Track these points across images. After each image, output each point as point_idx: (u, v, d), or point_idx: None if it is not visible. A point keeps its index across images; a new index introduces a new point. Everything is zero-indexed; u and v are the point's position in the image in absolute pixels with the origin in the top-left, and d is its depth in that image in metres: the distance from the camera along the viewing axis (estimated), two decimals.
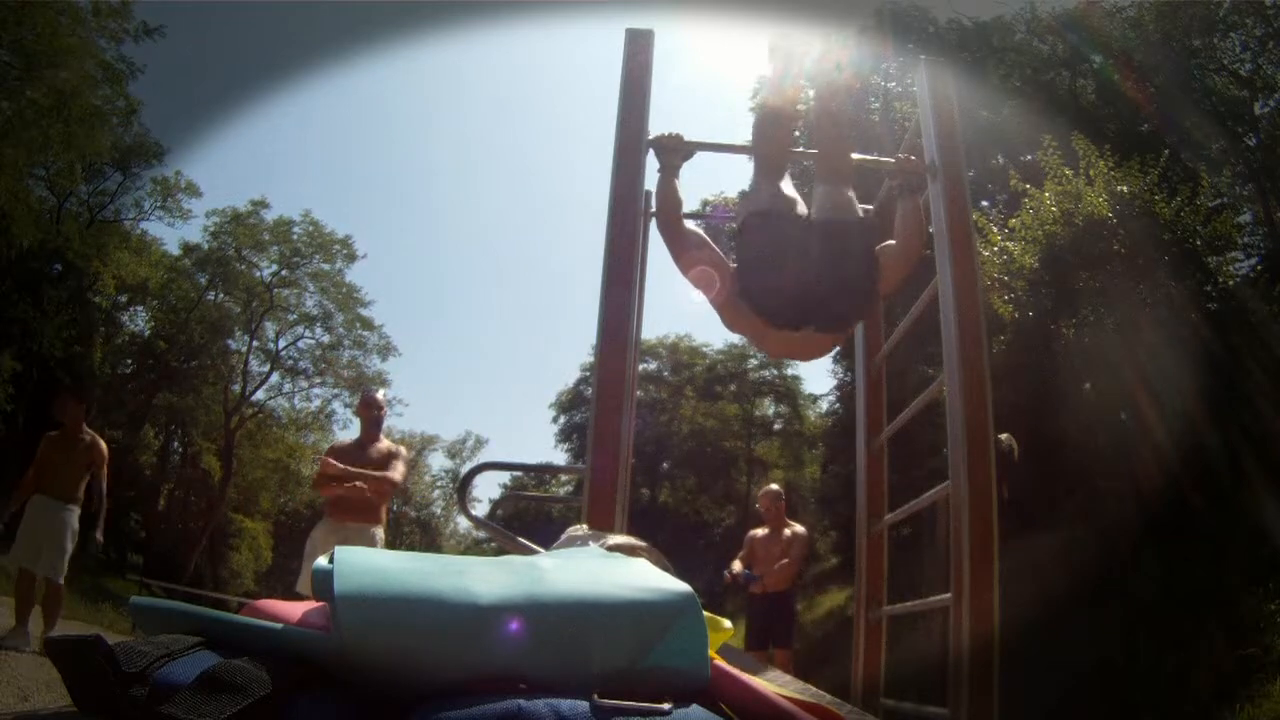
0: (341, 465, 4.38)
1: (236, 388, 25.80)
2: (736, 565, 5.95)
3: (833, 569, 16.73)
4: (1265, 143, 11.97)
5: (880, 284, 2.31)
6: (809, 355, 2.49)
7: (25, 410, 17.03)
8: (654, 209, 2.51)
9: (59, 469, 5.14)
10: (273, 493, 27.79)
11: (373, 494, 4.38)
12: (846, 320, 2.37)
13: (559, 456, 28.66)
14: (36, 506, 5.07)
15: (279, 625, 0.78)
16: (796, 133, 2.72)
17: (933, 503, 2.57)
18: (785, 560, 5.75)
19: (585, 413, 25.46)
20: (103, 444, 5.37)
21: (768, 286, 2.24)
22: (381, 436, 4.67)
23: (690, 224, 2.47)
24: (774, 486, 6.44)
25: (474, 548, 30.54)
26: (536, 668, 0.74)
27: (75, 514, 5.15)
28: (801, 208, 2.43)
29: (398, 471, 4.52)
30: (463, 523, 33.44)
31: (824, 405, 24.20)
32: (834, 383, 19.65)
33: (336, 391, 26.56)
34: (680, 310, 32.41)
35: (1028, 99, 12.76)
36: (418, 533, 36.16)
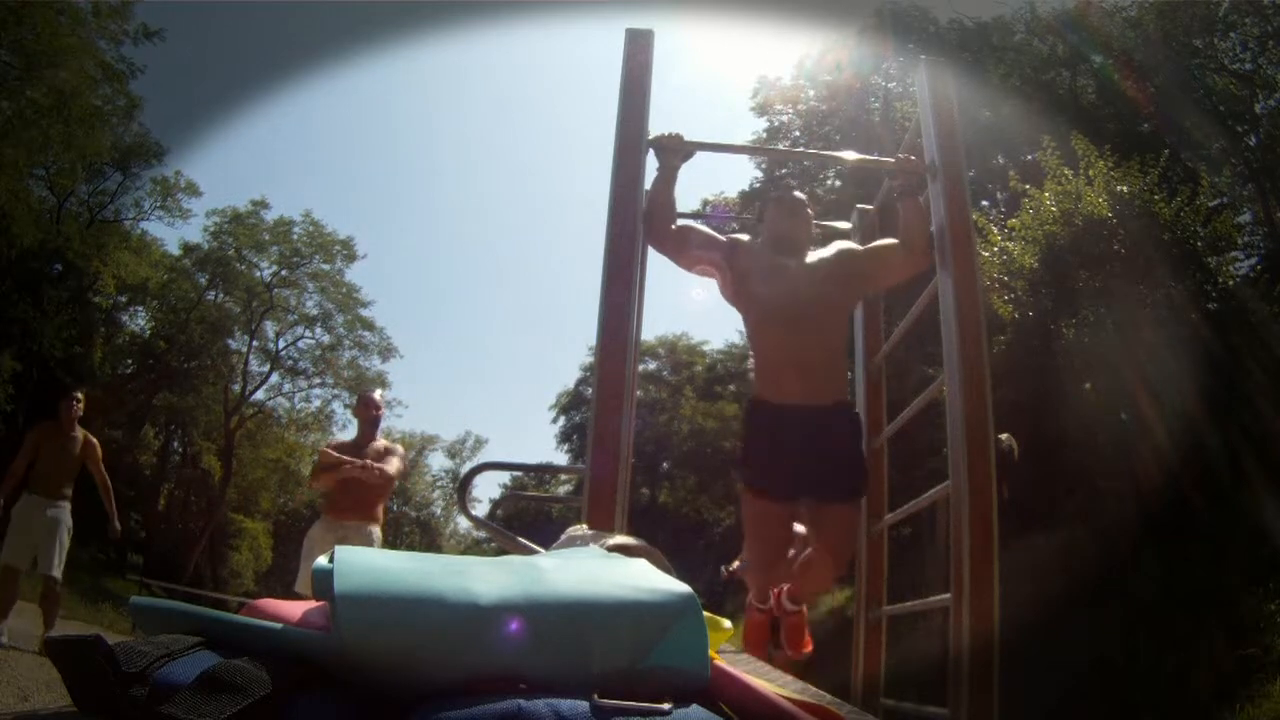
0: (338, 454, 4.38)
1: (236, 388, 25.80)
2: (735, 564, 5.95)
3: None
4: (1265, 142, 11.97)
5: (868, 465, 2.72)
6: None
7: (25, 410, 17.02)
8: (645, 215, 2.52)
9: (51, 466, 5.10)
10: (273, 493, 27.79)
11: (370, 484, 4.38)
12: (835, 492, 2.60)
13: (559, 457, 28.69)
14: (29, 506, 5.02)
15: (279, 625, 0.78)
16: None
17: (933, 503, 2.57)
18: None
19: (585, 413, 25.47)
20: (94, 440, 5.36)
21: (765, 470, 2.59)
22: (379, 436, 4.67)
23: (683, 221, 2.51)
24: None
25: (474, 548, 30.54)
26: (536, 668, 0.74)
27: (68, 510, 5.13)
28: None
29: (394, 466, 4.52)
30: (463, 523, 33.47)
31: None
32: None
33: (336, 392, 26.55)
34: (680, 309, 32.47)
35: (1028, 99, 12.76)
36: (418, 533, 36.15)
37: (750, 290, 2.54)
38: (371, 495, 4.46)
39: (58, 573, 5.06)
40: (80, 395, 5.47)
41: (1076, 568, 7.09)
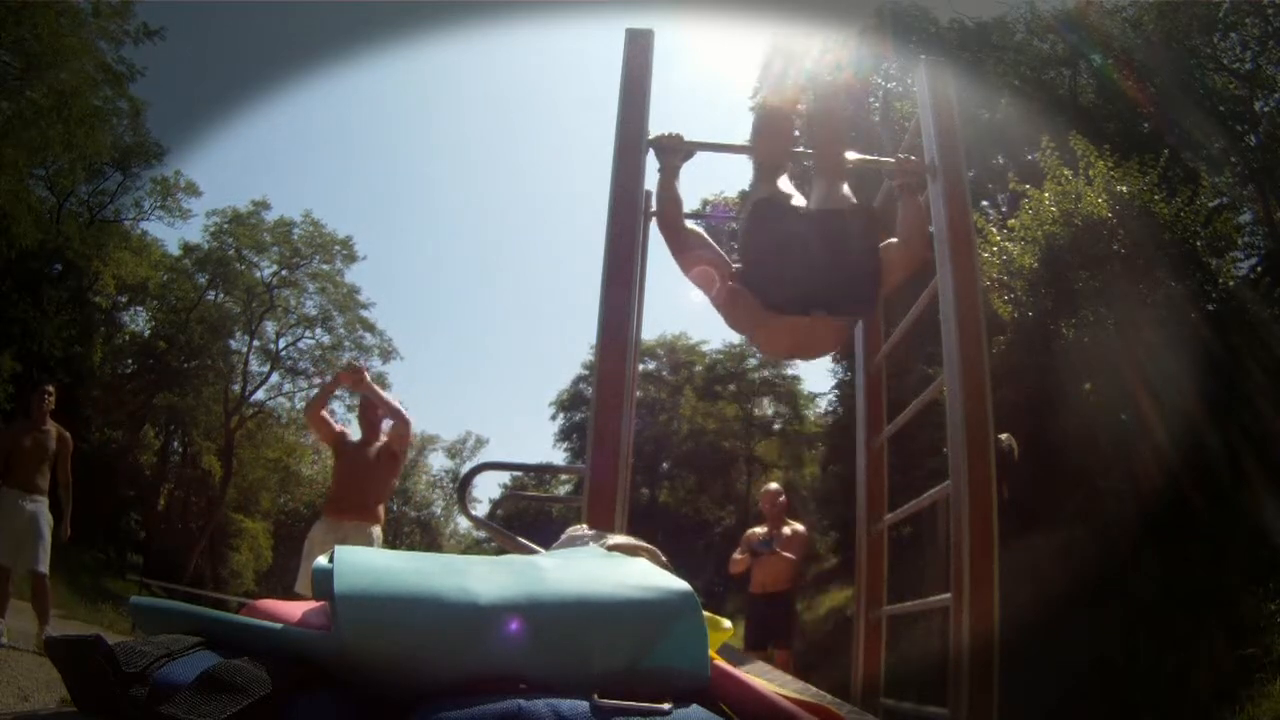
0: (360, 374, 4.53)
1: (236, 388, 25.82)
2: (737, 556, 5.94)
3: (833, 569, 16.72)
4: (1265, 142, 11.97)
5: (882, 274, 2.32)
6: (811, 350, 2.48)
7: (22, 412, 17.01)
8: (654, 209, 2.52)
9: (26, 460, 5.08)
10: (273, 493, 27.80)
11: (371, 483, 4.40)
12: (853, 303, 2.37)
13: (558, 456, 28.71)
14: (6, 501, 4.99)
15: (279, 625, 0.78)
16: (796, 133, 2.72)
17: (933, 503, 2.57)
18: (788, 554, 5.76)
19: (585, 413, 25.47)
20: (67, 435, 5.33)
21: (771, 275, 2.26)
22: (382, 435, 4.69)
23: (690, 224, 2.48)
24: (774, 485, 6.44)
25: (474, 548, 30.54)
26: (536, 668, 0.74)
27: (45, 504, 5.11)
28: (799, 200, 2.44)
29: (403, 417, 4.55)
30: (463, 523, 33.50)
31: (823, 405, 24.26)
32: (833, 382, 19.68)
33: (338, 393, 26.54)
34: (679, 309, 32.46)
35: (1028, 99, 12.76)
36: (418, 533, 36.17)
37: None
38: (372, 495, 4.47)
39: (44, 567, 5.04)
40: (51, 389, 5.43)
41: (1076, 568, 7.09)
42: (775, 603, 5.75)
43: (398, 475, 5.00)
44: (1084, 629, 6.63)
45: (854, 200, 2.45)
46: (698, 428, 27.69)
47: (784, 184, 2.53)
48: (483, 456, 38.02)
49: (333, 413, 4.55)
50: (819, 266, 2.25)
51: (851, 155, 2.64)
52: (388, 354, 26.76)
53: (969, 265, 2.39)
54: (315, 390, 26.58)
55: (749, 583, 5.89)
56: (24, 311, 17.21)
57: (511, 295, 60.72)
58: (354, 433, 4.81)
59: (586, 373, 27.13)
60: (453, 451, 36.94)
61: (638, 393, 4.38)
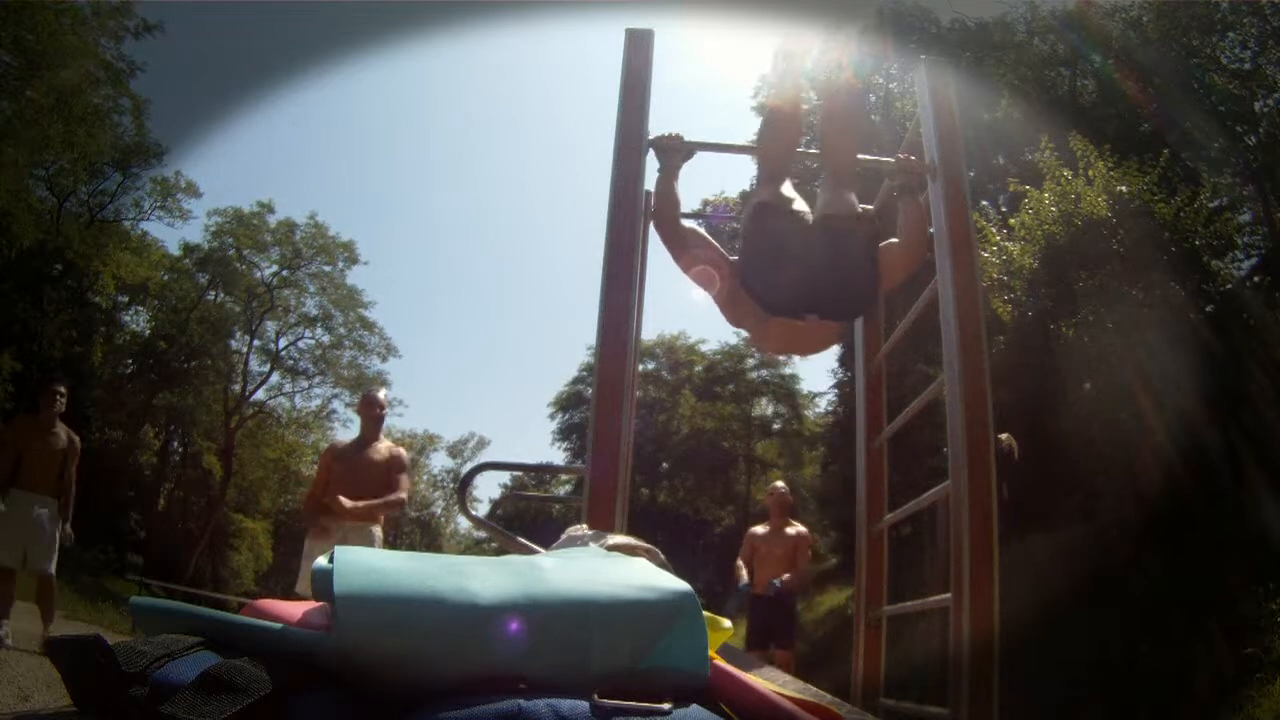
0: (349, 504, 4.18)
1: (236, 388, 25.82)
2: (742, 572, 5.93)
3: (833, 569, 16.73)
4: (1265, 142, 11.96)
5: (881, 279, 2.33)
6: (809, 348, 2.51)
7: (25, 410, 17.02)
8: (653, 209, 2.51)
9: (36, 462, 5.03)
10: (273, 493, 27.79)
11: (372, 487, 4.37)
12: (847, 311, 2.38)
13: (558, 456, 28.70)
14: (15, 502, 4.94)
15: (279, 625, 0.78)
16: (801, 135, 2.70)
17: (933, 503, 2.57)
18: (794, 568, 5.77)
19: (585, 412, 25.48)
20: (76, 438, 5.27)
21: (767, 279, 2.27)
22: (382, 436, 4.66)
23: (689, 223, 2.47)
24: (780, 484, 6.42)
25: (474, 548, 30.56)
26: (536, 668, 0.74)
27: (55, 506, 5.07)
28: (801, 205, 2.44)
29: (404, 487, 4.49)
30: (463, 523, 33.52)
31: (823, 405, 24.27)
32: (833, 382, 19.68)
33: (337, 391, 26.58)
34: (678, 309, 32.49)
35: (1028, 99, 12.76)
36: (418, 533, 36.18)
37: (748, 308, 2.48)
38: (373, 496, 4.45)
39: (52, 569, 5.01)
40: (63, 389, 5.30)
41: (1076, 568, 7.09)
42: (776, 602, 5.74)
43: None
44: (1084, 629, 6.63)
45: (859, 209, 2.45)
46: (697, 428, 27.68)
47: (786, 188, 2.52)
48: (484, 456, 38.07)
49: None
50: (815, 274, 2.26)
51: (856, 156, 2.64)
52: (388, 353, 26.84)
53: (969, 265, 2.39)
54: (316, 389, 26.76)
55: (751, 582, 5.88)
56: (24, 311, 17.22)
57: (511, 295, 60.75)
58: (353, 432, 4.78)
59: (587, 375, 27.14)
60: (454, 451, 37.01)
61: (637, 393, 4.38)
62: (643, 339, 3.21)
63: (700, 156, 2.58)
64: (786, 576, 5.68)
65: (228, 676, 0.67)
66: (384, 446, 4.59)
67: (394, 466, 4.52)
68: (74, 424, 5.49)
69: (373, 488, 4.41)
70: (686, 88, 32.21)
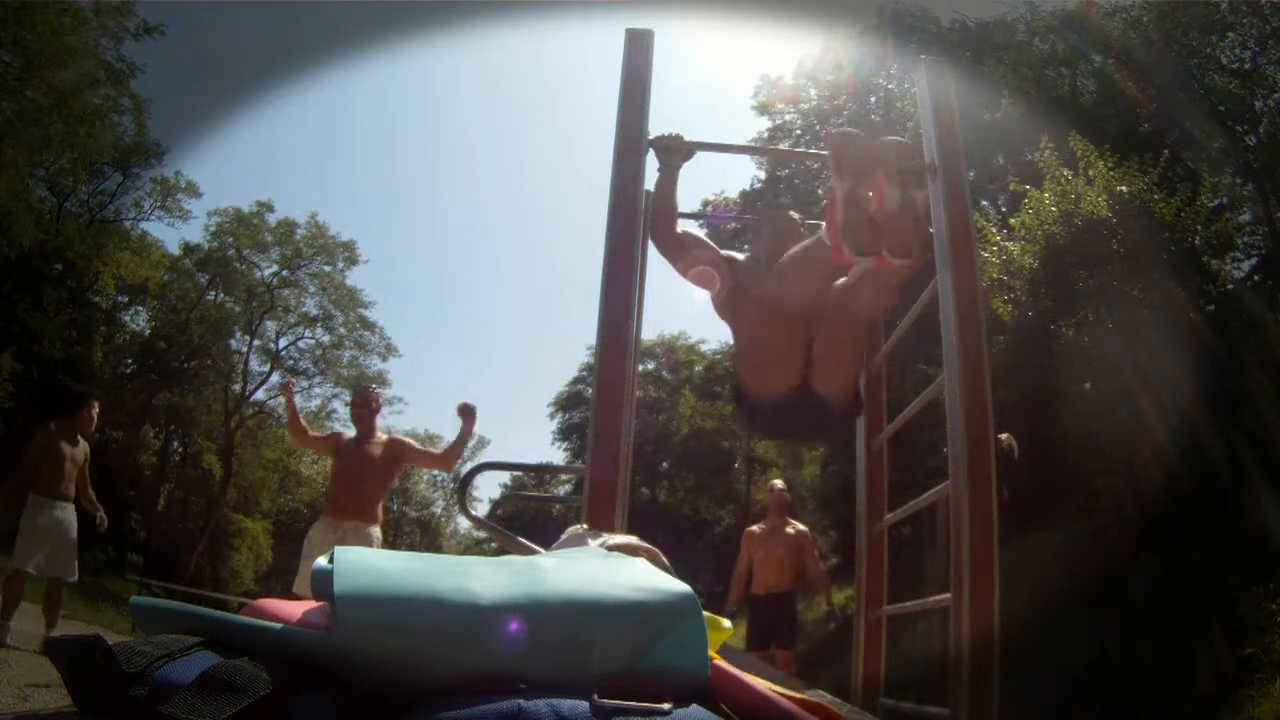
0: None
1: (236, 387, 25.82)
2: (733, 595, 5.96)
3: (833, 569, 16.72)
4: (1265, 142, 11.95)
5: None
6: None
7: (25, 410, 17.02)
8: (650, 214, 2.51)
9: (58, 469, 5.09)
10: (273, 493, 27.79)
11: (371, 484, 4.45)
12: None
13: (558, 455, 28.71)
14: (39, 508, 4.99)
15: (279, 625, 0.78)
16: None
17: (933, 503, 2.57)
18: (809, 573, 5.89)
19: (585, 412, 25.47)
20: (87, 445, 5.42)
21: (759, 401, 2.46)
22: (378, 430, 4.69)
23: (687, 224, 2.48)
24: (779, 483, 6.43)
25: (474, 548, 30.54)
26: (536, 668, 0.74)
27: (74, 511, 5.15)
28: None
29: (434, 448, 4.61)
30: (463, 523, 33.50)
31: None
32: None
33: (337, 391, 26.59)
34: (678, 309, 32.47)
35: (1028, 99, 12.75)
36: (418, 533, 36.17)
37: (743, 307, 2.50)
38: (372, 496, 4.47)
39: (74, 576, 5.14)
40: (97, 405, 5.52)
41: (1076, 568, 7.08)
42: (777, 602, 5.75)
43: (397, 476, 4.99)
44: (1084, 629, 6.63)
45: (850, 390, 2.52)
46: (697, 427, 27.67)
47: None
48: (484, 456, 38.02)
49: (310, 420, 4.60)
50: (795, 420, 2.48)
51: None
52: (388, 353, 26.83)
53: (969, 265, 2.39)
54: (316, 389, 26.77)
55: (751, 582, 5.89)
56: (24, 311, 17.21)
57: (511, 295, 60.77)
58: (351, 431, 4.80)
59: (587, 375, 27.13)
60: None
61: (638, 393, 4.38)
62: (643, 339, 3.21)
63: (700, 156, 2.58)
64: (829, 600, 6.19)
65: (228, 676, 0.67)
66: (382, 438, 4.62)
67: (398, 455, 4.61)
68: None
69: (373, 483, 4.46)
70: (686, 88, 32.25)
